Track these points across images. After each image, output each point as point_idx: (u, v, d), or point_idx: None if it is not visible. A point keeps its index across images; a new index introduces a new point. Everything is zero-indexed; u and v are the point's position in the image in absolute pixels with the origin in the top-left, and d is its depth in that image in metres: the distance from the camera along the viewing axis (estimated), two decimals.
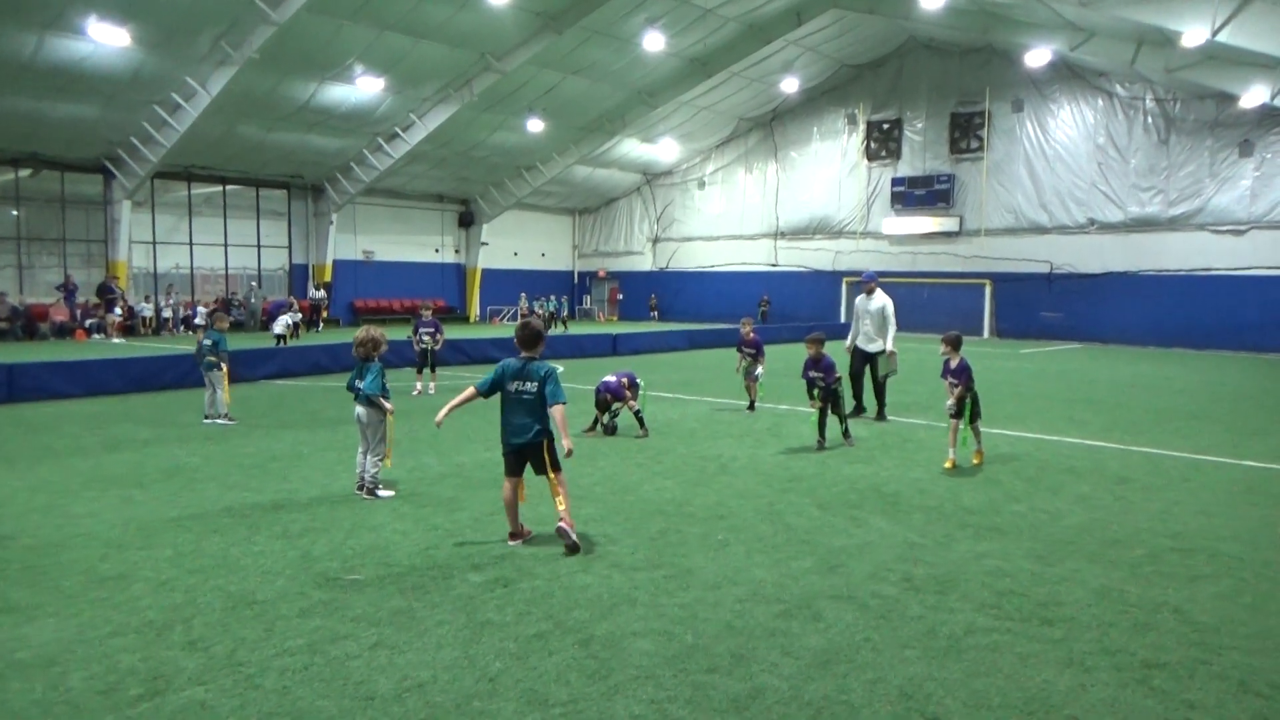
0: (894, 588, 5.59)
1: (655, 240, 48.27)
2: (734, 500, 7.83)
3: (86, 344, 27.10)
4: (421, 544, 6.43)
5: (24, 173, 31.11)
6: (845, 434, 10.69)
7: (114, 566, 5.90)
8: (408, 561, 6.02)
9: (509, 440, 6.38)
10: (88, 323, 29.66)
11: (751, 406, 13.47)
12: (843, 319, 38.40)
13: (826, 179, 41.27)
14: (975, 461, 9.49)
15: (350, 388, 8.03)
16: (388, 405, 7.89)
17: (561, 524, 6.25)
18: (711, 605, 5.26)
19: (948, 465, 9.29)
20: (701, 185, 45.69)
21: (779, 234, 43.29)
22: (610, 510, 7.43)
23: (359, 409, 7.91)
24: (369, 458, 7.84)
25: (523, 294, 40.44)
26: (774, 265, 43.54)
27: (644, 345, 26.09)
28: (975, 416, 9.45)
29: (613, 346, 24.99)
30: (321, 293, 36.73)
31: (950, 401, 9.38)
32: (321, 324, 35.40)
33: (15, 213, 31.59)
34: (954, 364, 9.42)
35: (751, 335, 13.53)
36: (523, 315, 38.45)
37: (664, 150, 43.53)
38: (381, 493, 7.84)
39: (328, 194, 37.90)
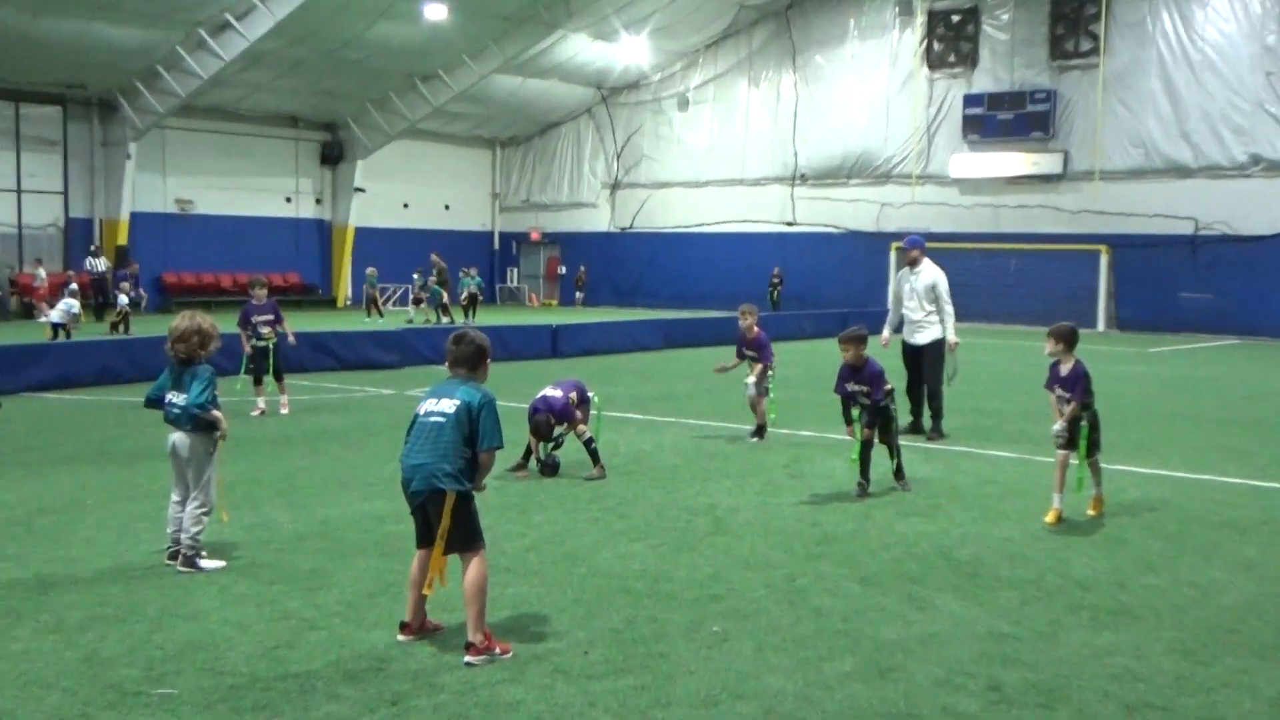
0: (975, 700, 5.60)
1: (615, 186, 48.42)
2: (735, 572, 7.81)
3: None
4: (267, 640, 6.34)
5: None
6: (898, 473, 10.75)
7: None
8: (246, 668, 5.93)
9: (405, 488, 6.33)
10: None
11: (760, 433, 13.52)
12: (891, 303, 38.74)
13: (868, 97, 41.65)
14: (1091, 512, 9.57)
15: (154, 402, 7.90)
16: (221, 420, 7.77)
17: (468, 657, 6.04)
18: None
19: (1050, 519, 9.35)
20: (684, 105, 45.95)
21: (798, 178, 43.62)
22: (551, 588, 7.37)
23: (175, 436, 7.79)
24: (189, 509, 7.73)
25: (371, 270, 38.37)
26: (790, 224, 43.87)
27: (598, 343, 26.05)
28: (1093, 448, 9.54)
29: (552, 344, 24.98)
30: (103, 262, 36.21)
31: (1059, 425, 9.44)
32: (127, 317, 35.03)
33: None
34: (1065, 369, 9.49)
35: (755, 331, 13.62)
36: (371, 297, 37.62)
37: (628, 52, 43.66)
38: (205, 563, 7.73)
39: (123, 113, 37.55)
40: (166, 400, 7.80)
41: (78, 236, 38.19)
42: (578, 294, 47.73)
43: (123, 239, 38.55)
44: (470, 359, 6.40)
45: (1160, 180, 36.42)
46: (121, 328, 28.17)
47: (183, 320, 7.89)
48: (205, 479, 7.79)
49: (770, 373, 13.61)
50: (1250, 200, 34.87)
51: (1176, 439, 14.17)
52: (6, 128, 36.92)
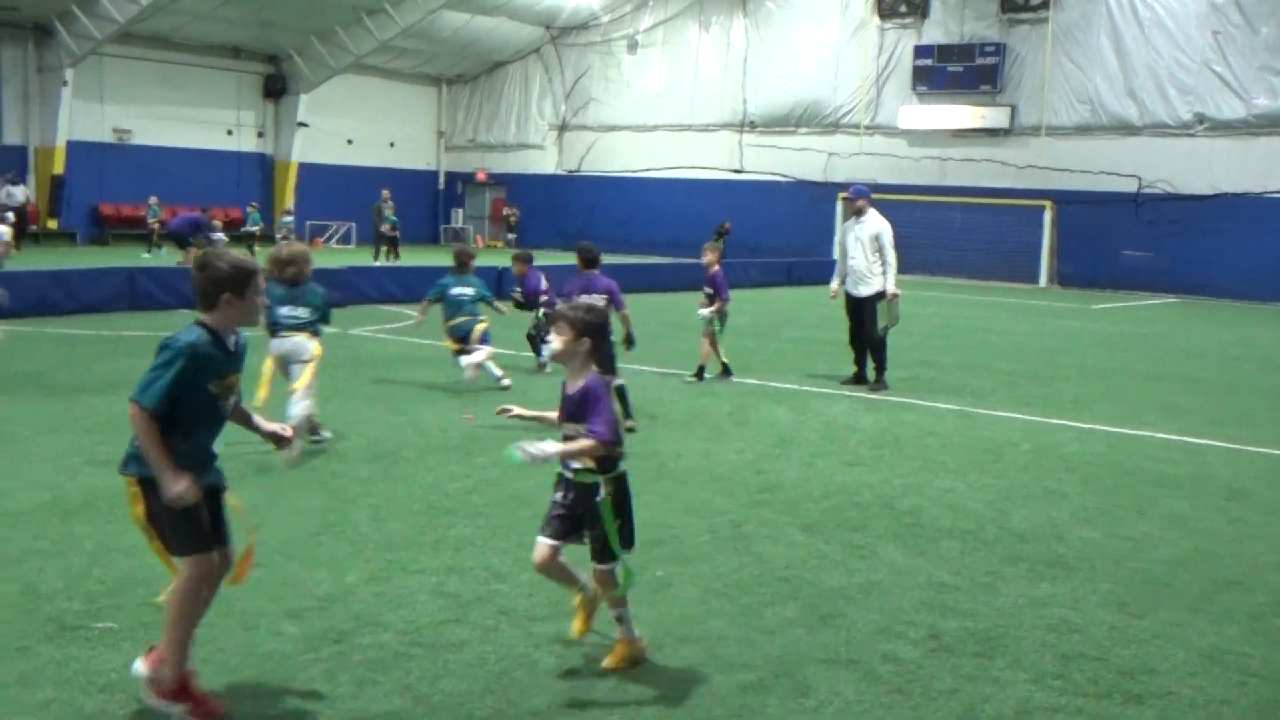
0: (915, 648, 5.69)
1: (562, 128, 48.04)
2: (678, 518, 7.87)
3: None
4: None
5: None
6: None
7: None
8: None
9: None
10: None
11: (699, 374, 13.85)
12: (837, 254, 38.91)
13: (819, 45, 41.54)
14: (608, 665, 5.38)
15: (280, 322, 9.56)
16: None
17: (144, 693, 4.73)
18: (648, 674, 5.28)
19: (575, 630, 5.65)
20: (633, 48, 45.61)
21: (747, 125, 43.51)
22: (495, 531, 7.40)
23: (297, 338, 9.49)
24: (300, 399, 9.23)
25: (284, 215, 37.99)
26: (738, 171, 43.82)
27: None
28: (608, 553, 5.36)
29: (497, 286, 24.81)
30: (23, 191, 35.41)
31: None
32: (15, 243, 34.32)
33: None
34: (575, 388, 5.54)
35: (714, 269, 13.99)
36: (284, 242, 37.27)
37: None
38: (325, 432, 9.59)
39: (59, 39, 36.71)
40: (282, 313, 9.52)
41: (11, 164, 37.35)
42: (509, 235, 47.47)
43: (58, 168, 37.80)
44: (199, 292, 4.75)
45: (1106, 137, 36.70)
46: None
47: (289, 249, 9.91)
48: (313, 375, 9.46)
49: (721, 313, 13.88)
50: (1193, 160, 35.23)
51: (1114, 395, 14.39)
52: None
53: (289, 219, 39.38)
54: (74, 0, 35.40)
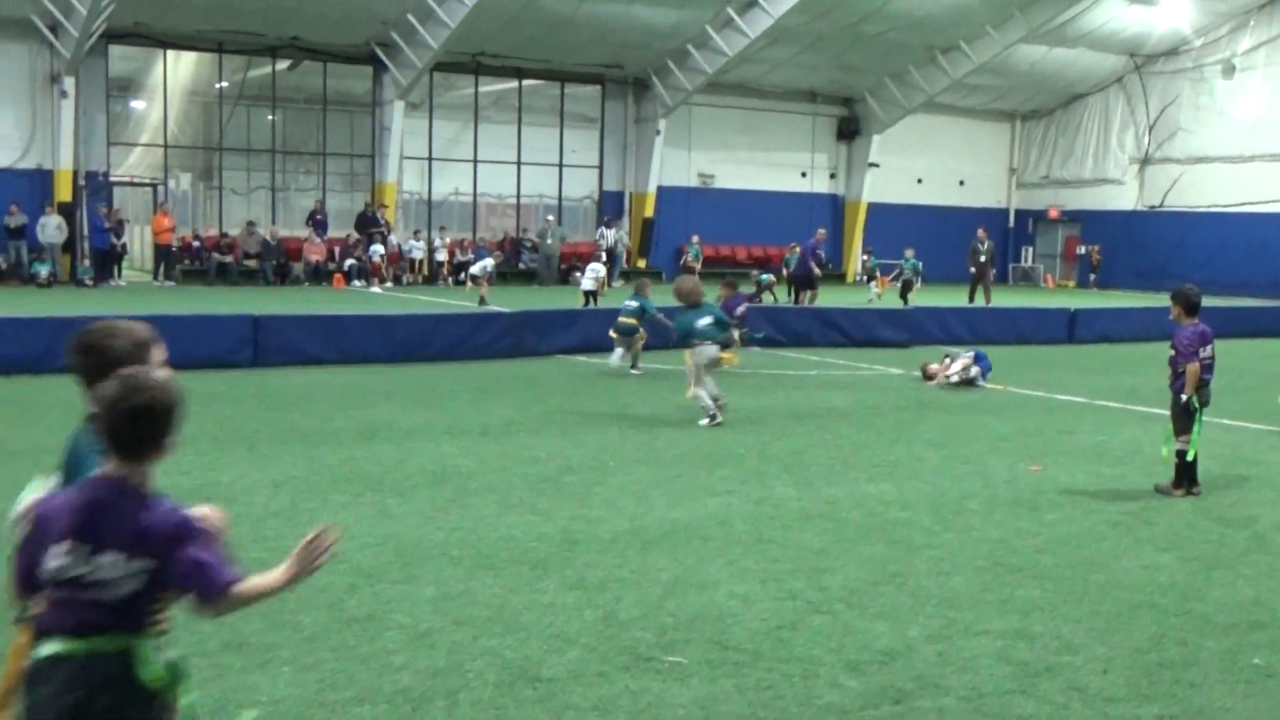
0: None
1: (1145, 161, 45.33)
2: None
3: (344, 292, 30.61)
4: (772, 619, 6.42)
5: (281, 65, 35.55)
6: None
7: (363, 604, 6.47)
8: (751, 645, 6.02)
9: None
10: (346, 265, 33.41)
11: None
12: None
13: None
14: None
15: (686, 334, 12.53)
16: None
17: None
18: None
19: None
20: (1228, 72, 42.24)
21: None
22: (1066, 595, 6.98)
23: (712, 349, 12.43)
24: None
25: (865, 256, 37.49)
26: None
27: (1119, 329, 24.39)
28: None
29: (1068, 329, 23.80)
30: (615, 234, 38.13)
31: None
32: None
33: (271, 117, 36.25)
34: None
35: None
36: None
37: (1168, 15, 40.72)
38: None
39: (655, 91, 39.54)
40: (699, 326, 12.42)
41: (611, 208, 40.81)
42: (1091, 275, 45.26)
43: (649, 211, 40.75)
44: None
45: None
46: (592, 300, 25.61)
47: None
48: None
49: None
50: None
51: None
52: (553, 106, 40.06)
53: (868, 259, 39.69)
54: (669, 55, 38.06)
